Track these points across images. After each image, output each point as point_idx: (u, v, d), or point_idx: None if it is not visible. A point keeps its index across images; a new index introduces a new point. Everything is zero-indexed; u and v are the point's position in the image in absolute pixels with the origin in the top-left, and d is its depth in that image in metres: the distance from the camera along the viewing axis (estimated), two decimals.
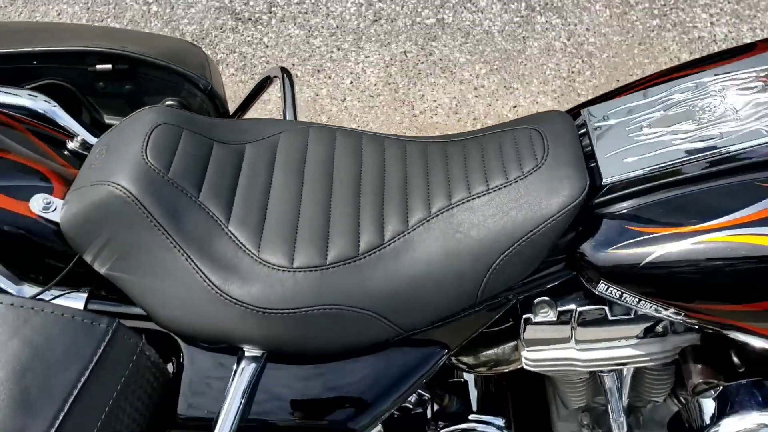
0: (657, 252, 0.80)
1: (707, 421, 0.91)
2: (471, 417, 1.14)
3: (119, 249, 0.86)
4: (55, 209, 0.90)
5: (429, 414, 1.14)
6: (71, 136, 1.03)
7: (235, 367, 0.86)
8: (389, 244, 0.88)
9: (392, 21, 2.34)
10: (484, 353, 1.08)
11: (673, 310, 0.83)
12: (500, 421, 1.14)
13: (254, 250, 0.87)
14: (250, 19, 2.43)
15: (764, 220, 0.78)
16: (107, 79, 1.12)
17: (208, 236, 0.87)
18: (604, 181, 0.85)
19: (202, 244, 0.86)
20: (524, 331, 0.96)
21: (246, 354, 0.87)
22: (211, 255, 0.86)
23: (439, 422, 1.13)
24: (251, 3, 2.47)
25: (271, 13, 2.40)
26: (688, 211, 0.81)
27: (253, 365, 0.86)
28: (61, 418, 0.72)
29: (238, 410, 0.84)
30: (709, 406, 0.92)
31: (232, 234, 0.88)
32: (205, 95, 1.14)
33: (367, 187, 0.92)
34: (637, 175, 0.84)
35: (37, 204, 0.89)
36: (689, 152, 0.83)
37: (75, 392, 0.74)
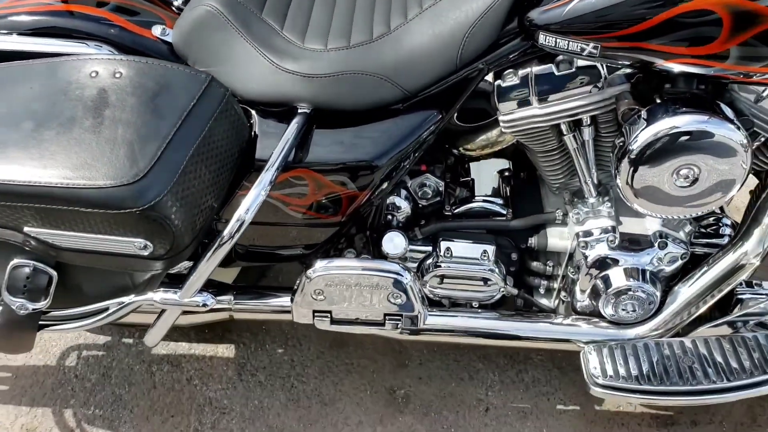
0: (573, 4, 1.15)
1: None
2: (477, 198, 1.49)
3: (211, 48, 1.28)
4: (168, 35, 1.33)
5: (445, 201, 1.49)
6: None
7: (292, 120, 1.26)
8: (393, 31, 1.27)
9: None
10: (480, 139, 1.44)
11: (592, 44, 1.16)
12: (500, 201, 1.48)
13: (300, 42, 1.28)
14: None
15: None
16: None
17: (268, 36, 1.28)
18: None
19: (264, 40, 1.28)
20: (498, 98, 1.31)
21: (299, 111, 1.26)
22: (271, 46, 1.27)
23: (453, 205, 1.49)
24: None
25: None
26: None
27: (303, 117, 1.26)
28: (161, 152, 1.09)
29: (292, 148, 1.24)
30: (635, 128, 1.22)
31: (285, 35, 1.29)
32: None
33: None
34: None
35: (156, 30, 1.33)
36: None
37: (176, 126, 1.12)
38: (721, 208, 1.53)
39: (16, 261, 1.18)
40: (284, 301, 1.46)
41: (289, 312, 1.45)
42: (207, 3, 1.29)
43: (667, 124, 1.17)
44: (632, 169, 1.20)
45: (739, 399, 1.36)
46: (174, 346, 1.86)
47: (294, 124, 1.25)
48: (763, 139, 1.28)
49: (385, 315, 1.38)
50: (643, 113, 1.20)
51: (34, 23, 1.30)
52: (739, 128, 1.17)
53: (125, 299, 1.22)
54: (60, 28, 1.30)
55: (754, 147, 1.26)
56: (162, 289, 1.24)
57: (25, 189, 1.05)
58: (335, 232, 1.40)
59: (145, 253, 1.12)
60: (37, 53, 1.26)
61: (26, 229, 1.11)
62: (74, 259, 1.17)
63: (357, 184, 1.30)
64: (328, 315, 1.40)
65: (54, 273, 1.19)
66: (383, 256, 1.43)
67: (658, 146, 1.18)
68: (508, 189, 1.51)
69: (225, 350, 1.86)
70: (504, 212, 1.48)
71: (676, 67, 1.15)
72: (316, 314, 1.39)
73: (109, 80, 1.14)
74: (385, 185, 1.33)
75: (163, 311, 1.32)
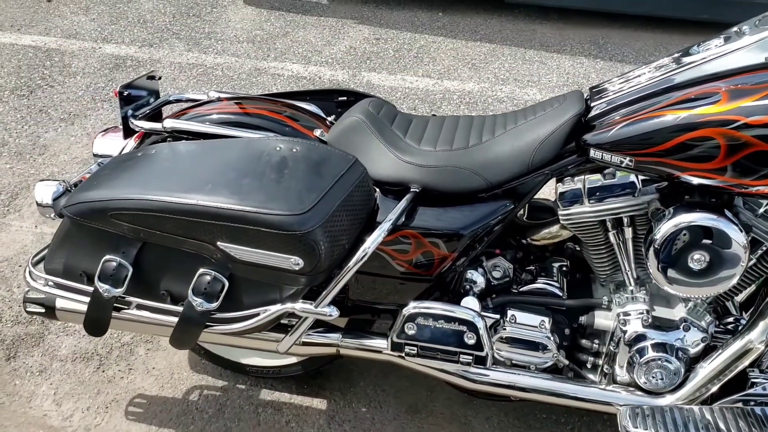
0: (614, 129, 1.62)
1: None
2: (539, 281, 1.89)
3: (356, 144, 1.82)
4: (324, 136, 1.89)
5: (513, 281, 1.90)
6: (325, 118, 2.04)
7: (404, 196, 1.75)
8: (484, 143, 1.78)
9: None
10: (543, 232, 1.88)
11: (628, 158, 1.61)
12: (558, 285, 1.88)
13: (416, 145, 1.80)
14: None
15: (686, 101, 1.55)
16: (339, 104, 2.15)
17: (395, 140, 1.81)
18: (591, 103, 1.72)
19: (392, 142, 1.81)
20: (559, 198, 1.76)
21: (411, 189, 1.75)
22: (396, 146, 1.80)
23: (519, 285, 1.90)
24: None
25: None
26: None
27: (413, 194, 1.75)
28: (319, 199, 1.60)
29: (403, 213, 1.71)
30: (660, 223, 1.62)
31: (407, 141, 1.82)
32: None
33: (473, 124, 1.85)
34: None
35: (317, 132, 1.89)
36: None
37: (331, 185, 1.63)
38: (742, 312, 1.87)
39: (202, 269, 1.66)
40: (382, 342, 1.86)
41: (384, 351, 1.84)
42: (356, 115, 1.85)
43: (684, 219, 1.58)
44: (656, 254, 1.61)
45: None
46: (278, 394, 2.25)
47: (406, 198, 1.73)
48: (766, 248, 1.66)
49: (459, 353, 1.76)
50: (668, 212, 1.62)
51: (225, 119, 1.89)
52: (741, 230, 1.57)
53: (272, 307, 1.67)
54: (245, 123, 1.88)
55: (758, 254, 1.65)
56: (301, 300, 1.67)
57: (228, 212, 1.55)
58: (426, 289, 1.83)
59: (296, 268, 1.58)
60: (230, 136, 1.83)
61: (219, 243, 1.60)
62: (245, 271, 1.64)
63: (447, 247, 1.75)
64: (416, 348, 1.79)
65: (227, 281, 1.66)
66: None
67: (676, 236, 1.58)
68: (565, 280, 1.91)
69: (319, 403, 2.23)
70: (561, 294, 1.87)
71: (689, 179, 1.58)
72: (407, 346, 1.79)
73: (289, 152, 1.67)
74: (466, 254, 1.77)
75: (296, 325, 1.76)
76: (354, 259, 1.65)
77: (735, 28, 1.66)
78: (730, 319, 1.85)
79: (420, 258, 1.78)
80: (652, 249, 1.61)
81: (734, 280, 1.60)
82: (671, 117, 1.56)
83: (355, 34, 4.67)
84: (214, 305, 1.66)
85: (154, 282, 1.71)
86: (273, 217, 1.53)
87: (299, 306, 1.65)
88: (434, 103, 3.89)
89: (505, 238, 1.92)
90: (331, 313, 1.65)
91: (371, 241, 1.66)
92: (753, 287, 1.83)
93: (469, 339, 1.76)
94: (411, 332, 1.79)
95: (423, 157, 1.78)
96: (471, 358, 1.77)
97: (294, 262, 1.57)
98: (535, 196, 1.82)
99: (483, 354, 1.77)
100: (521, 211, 1.96)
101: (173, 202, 1.58)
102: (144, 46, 4.48)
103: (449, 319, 1.75)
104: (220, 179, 1.60)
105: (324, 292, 1.67)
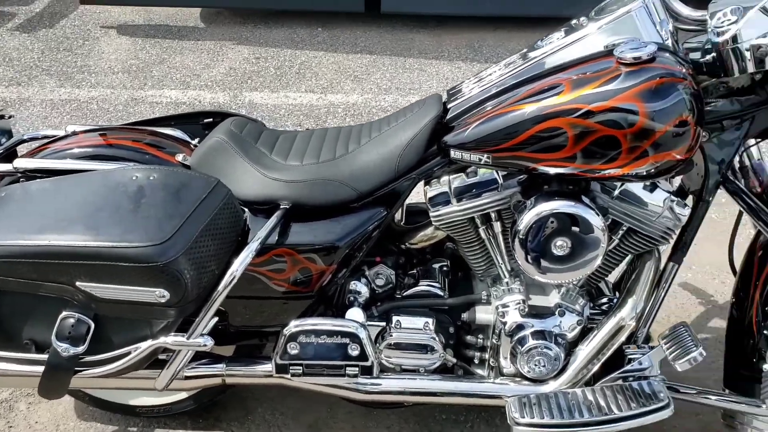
0: (470, 129, 1.66)
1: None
2: (421, 284, 1.90)
3: (219, 165, 1.77)
4: (187, 160, 1.84)
5: (397, 287, 1.90)
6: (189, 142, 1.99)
7: (275, 213, 1.72)
8: (351, 152, 1.78)
9: None
10: (420, 235, 1.90)
11: (486, 155, 1.65)
12: (439, 286, 1.89)
13: (283, 161, 1.78)
14: None
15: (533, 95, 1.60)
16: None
17: (260, 157, 1.79)
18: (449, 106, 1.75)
19: (257, 159, 1.78)
20: (428, 200, 1.78)
21: (280, 206, 1.73)
22: (262, 163, 1.77)
23: (403, 290, 1.90)
24: None
25: None
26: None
27: (283, 211, 1.72)
28: (180, 226, 1.54)
29: (273, 231, 1.69)
30: (522, 214, 1.66)
31: (272, 157, 1.80)
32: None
33: (340, 134, 1.85)
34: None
35: (179, 157, 1.84)
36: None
37: (191, 210, 1.58)
38: (615, 291, 1.95)
39: (65, 313, 1.58)
40: (267, 366, 1.82)
41: (272, 375, 1.80)
42: (217, 135, 1.81)
43: (543, 208, 1.63)
44: (521, 245, 1.64)
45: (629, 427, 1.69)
46: None
47: (276, 216, 1.71)
48: (626, 228, 1.73)
49: (345, 366, 1.75)
50: (528, 203, 1.66)
51: (82, 153, 1.81)
52: (597, 213, 1.63)
53: (143, 344, 1.60)
54: (104, 155, 1.81)
55: (620, 235, 1.72)
56: (173, 333, 1.61)
57: (83, 250, 1.48)
58: (309, 306, 1.81)
59: (163, 300, 1.52)
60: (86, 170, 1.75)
61: (78, 283, 1.53)
62: (110, 310, 1.57)
63: (324, 261, 1.73)
64: (301, 366, 1.76)
65: (92, 323, 1.58)
66: None
67: (537, 226, 1.62)
68: (447, 280, 1.93)
69: None
70: (442, 294, 1.89)
71: (544, 169, 1.62)
72: (291, 366, 1.75)
73: (146, 181, 1.61)
74: (346, 265, 1.76)
75: (170, 359, 1.69)
76: (222, 284, 1.61)
77: (574, 21, 1.73)
78: (604, 300, 1.92)
79: (298, 275, 1.75)
80: (516, 240, 1.65)
81: (597, 262, 1.65)
82: (520, 112, 1.60)
83: (234, 55, 4.61)
84: (81, 349, 1.58)
85: (16, 331, 1.62)
86: (131, 250, 1.47)
87: (171, 339, 1.59)
88: (319, 118, 3.89)
89: (385, 245, 1.92)
90: (205, 343, 1.60)
91: (238, 264, 1.62)
92: (622, 266, 1.91)
93: (353, 350, 1.75)
94: (294, 351, 1.76)
95: (290, 172, 1.76)
96: (357, 369, 1.75)
97: (159, 294, 1.51)
98: (411, 200, 1.83)
99: (368, 364, 1.76)
100: (399, 217, 1.97)
101: (24, 245, 1.49)
102: (11, 85, 4.27)
103: (331, 333, 1.73)
104: (74, 216, 1.53)
105: (195, 322, 1.62)
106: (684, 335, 1.72)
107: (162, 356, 1.72)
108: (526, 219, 1.63)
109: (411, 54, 4.60)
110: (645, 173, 1.58)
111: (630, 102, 1.51)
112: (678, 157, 1.56)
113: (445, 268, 1.95)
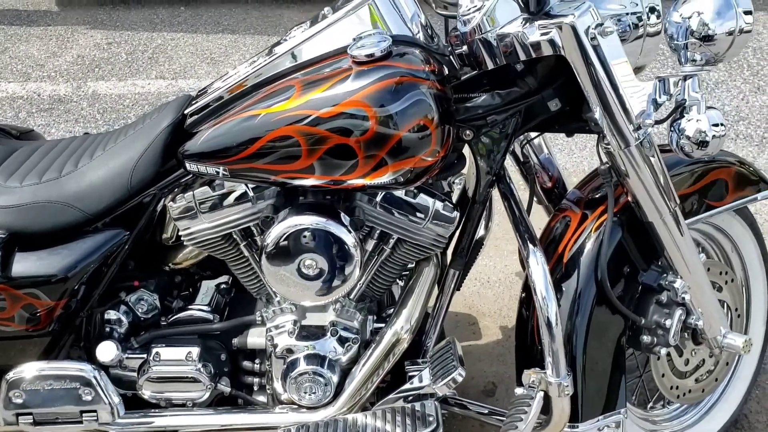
0: (203, 137, 1.46)
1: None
2: (190, 308, 1.71)
3: None
4: None
5: (162, 315, 1.71)
6: None
7: None
8: (79, 169, 1.56)
9: None
10: (181, 254, 1.70)
11: (222, 167, 1.46)
12: (208, 308, 1.71)
13: (3, 183, 1.55)
14: None
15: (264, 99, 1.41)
16: None
17: None
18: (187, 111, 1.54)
19: None
20: (174, 217, 1.58)
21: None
22: None
23: (170, 316, 1.70)
24: None
25: None
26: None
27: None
28: None
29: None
30: (269, 230, 1.49)
31: None
32: None
33: (80, 145, 1.64)
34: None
35: None
36: None
37: None
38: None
39: None
40: None
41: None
42: None
43: (293, 222, 1.45)
44: (268, 262, 1.47)
45: None
46: None
47: None
48: (395, 237, 1.57)
49: (81, 412, 1.55)
50: (278, 217, 1.49)
51: None
52: (349, 230, 1.46)
53: None
54: None
55: (390, 244, 1.56)
56: None
57: None
58: (50, 343, 1.60)
59: None
60: None
61: None
62: None
63: (49, 295, 1.53)
64: (31, 416, 1.56)
65: None
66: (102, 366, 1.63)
67: (286, 241, 1.45)
68: (227, 299, 1.75)
69: None
70: (211, 317, 1.70)
71: (286, 181, 1.44)
72: (20, 416, 1.55)
73: None
74: (84, 296, 1.56)
75: None
76: None
77: (323, 10, 1.53)
78: (390, 312, 1.76)
79: (23, 313, 1.54)
80: (263, 259, 1.48)
81: (353, 279, 1.49)
82: (250, 119, 1.42)
83: (85, 41, 4.29)
84: None
85: None
86: None
87: None
88: None
89: (147, 267, 1.72)
90: None
91: None
92: (403, 275, 1.75)
93: (86, 395, 1.56)
94: (19, 401, 1.55)
95: (6, 195, 1.54)
96: (94, 415, 1.56)
97: None
98: None
99: (107, 408, 1.57)
100: (167, 234, 1.76)
101: None
102: None
103: (57, 378, 1.54)
104: None
105: None
106: (446, 354, 1.58)
107: None
108: (272, 236, 1.46)
109: (276, 32, 4.35)
110: (394, 181, 1.42)
111: (358, 106, 1.34)
112: (428, 160, 1.40)
113: (224, 287, 1.77)
